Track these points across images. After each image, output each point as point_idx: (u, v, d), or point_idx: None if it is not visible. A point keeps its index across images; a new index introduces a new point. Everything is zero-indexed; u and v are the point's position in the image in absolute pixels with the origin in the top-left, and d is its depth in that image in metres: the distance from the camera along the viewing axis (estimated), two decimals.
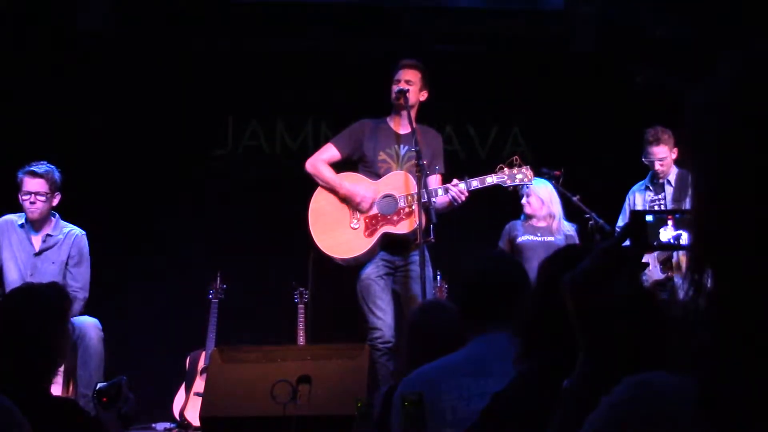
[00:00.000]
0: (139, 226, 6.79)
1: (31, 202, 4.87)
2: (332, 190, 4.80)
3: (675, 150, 5.28)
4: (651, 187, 5.43)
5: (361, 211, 4.72)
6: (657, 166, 5.30)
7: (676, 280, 5.11)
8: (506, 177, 4.68)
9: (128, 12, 6.72)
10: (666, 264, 5.22)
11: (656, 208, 5.26)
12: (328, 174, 4.82)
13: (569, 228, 5.73)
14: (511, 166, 4.70)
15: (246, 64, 7.13)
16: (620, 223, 5.45)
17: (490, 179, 4.67)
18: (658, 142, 5.26)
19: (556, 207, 5.64)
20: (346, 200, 4.77)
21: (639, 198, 5.45)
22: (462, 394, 2.18)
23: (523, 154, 7.09)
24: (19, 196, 4.89)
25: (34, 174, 4.85)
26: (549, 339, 1.64)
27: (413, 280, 4.61)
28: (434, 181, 4.77)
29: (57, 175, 4.94)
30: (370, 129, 4.89)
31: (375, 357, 4.48)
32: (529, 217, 5.63)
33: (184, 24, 6.85)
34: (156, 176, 6.89)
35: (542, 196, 5.57)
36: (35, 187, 4.86)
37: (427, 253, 4.60)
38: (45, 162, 4.96)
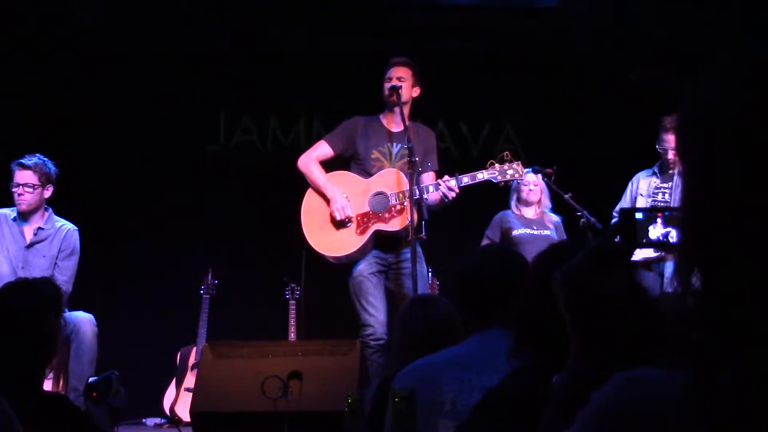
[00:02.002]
0: (131, 222, 6.78)
1: (19, 194, 4.88)
2: (322, 193, 4.81)
3: None
4: (659, 175, 5.29)
5: (333, 220, 4.71)
6: (670, 154, 5.11)
7: (666, 266, 5.03)
8: (497, 173, 4.68)
9: (121, 8, 6.70)
10: None
11: (660, 195, 5.22)
12: (317, 174, 4.82)
13: (556, 218, 5.78)
14: (501, 161, 4.70)
15: (239, 60, 7.12)
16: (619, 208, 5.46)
17: (481, 175, 4.67)
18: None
19: (546, 198, 5.76)
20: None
21: (644, 183, 5.32)
22: (463, 387, 2.18)
23: (515, 151, 7.10)
24: (10, 186, 4.91)
25: (23, 166, 4.87)
26: (542, 335, 1.65)
27: (406, 277, 4.61)
28: (428, 178, 4.77)
29: (50, 167, 4.93)
30: (362, 126, 4.89)
31: (367, 354, 4.48)
32: (527, 202, 5.67)
33: (177, 20, 6.83)
34: (148, 171, 6.88)
35: (540, 186, 5.65)
36: (23, 178, 4.87)
37: (419, 250, 4.60)
38: (39, 155, 4.95)
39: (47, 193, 4.96)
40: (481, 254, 2.54)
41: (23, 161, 4.88)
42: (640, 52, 6.69)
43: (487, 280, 2.37)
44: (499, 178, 4.69)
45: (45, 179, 4.91)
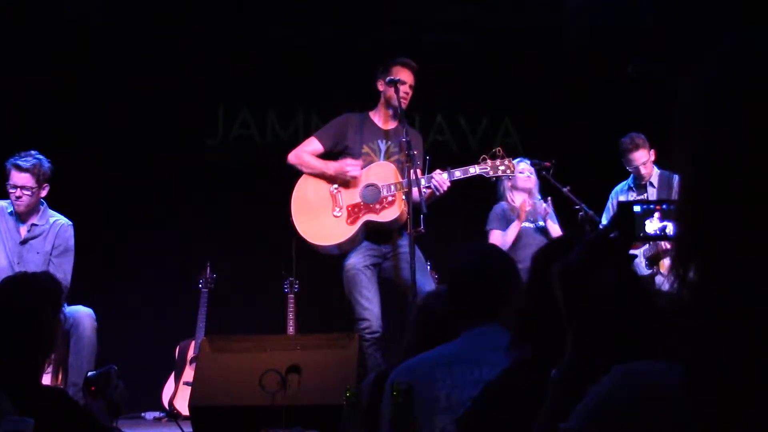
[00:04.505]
0: (129, 216, 6.77)
1: (17, 197, 4.83)
2: (321, 175, 4.80)
3: (653, 151, 5.42)
4: (634, 188, 5.58)
5: (353, 181, 4.71)
6: (642, 170, 5.48)
7: (658, 279, 5.16)
8: (489, 168, 4.71)
9: (120, 2, 6.69)
10: (652, 260, 5.28)
11: None
12: (311, 161, 4.83)
13: (545, 204, 5.76)
14: (493, 157, 4.74)
15: (237, 54, 7.11)
16: (604, 221, 5.49)
17: (473, 170, 4.70)
18: (636, 147, 5.45)
19: (536, 190, 5.75)
20: (335, 181, 4.77)
21: (622, 199, 5.57)
22: (456, 382, 2.20)
23: (514, 145, 7.11)
24: (7, 186, 4.87)
25: (20, 168, 4.80)
26: (541, 327, 1.65)
27: (405, 263, 4.59)
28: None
29: (46, 166, 4.87)
30: (355, 122, 4.91)
31: (362, 347, 4.48)
32: (521, 189, 5.66)
33: (175, 14, 6.82)
34: (147, 165, 6.87)
35: (533, 175, 5.66)
36: (21, 181, 4.81)
37: (406, 239, 4.62)
38: (34, 152, 4.89)
39: (44, 193, 4.92)
40: (471, 254, 2.54)
41: (20, 163, 4.81)
42: (638, 45, 6.68)
43: (476, 279, 2.40)
44: (491, 173, 4.73)
45: (42, 179, 4.86)
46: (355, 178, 4.72)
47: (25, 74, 6.69)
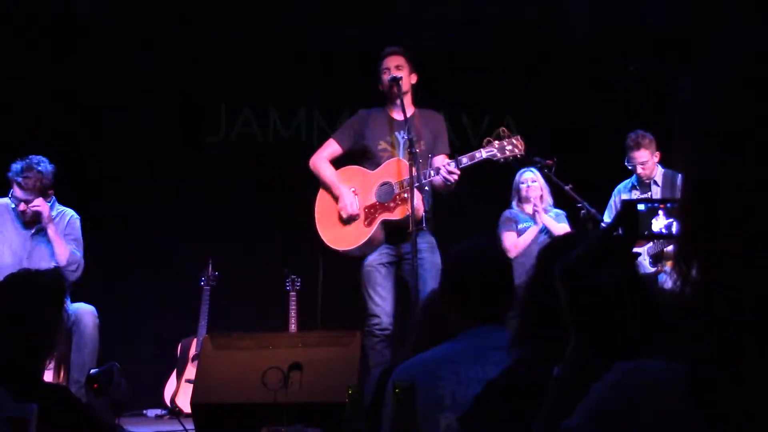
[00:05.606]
0: (131, 214, 6.77)
1: (21, 210, 4.85)
2: (328, 189, 4.83)
3: (657, 153, 5.37)
4: (638, 186, 5.54)
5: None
6: (639, 170, 5.43)
7: (661, 277, 5.15)
8: (496, 150, 4.54)
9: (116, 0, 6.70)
10: (657, 258, 5.27)
11: None
12: (326, 174, 4.85)
13: (558, 211, 5.78)
14: (499, 138, 4.56)
15: (239, 51, 7.10)
16: (607, 219, 5.49)
17: (479, 154, 4.56)
18: (638, 147, 5.39)
19: (548, 194, 5.79)
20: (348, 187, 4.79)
21: (625, 197, 5.51)
22: (460, 380, 2.20)
23: None
24: (11, 191, 4.86)
25: (23, 187, 4.79)
26: (544, 326, 1.65)
27: (423, 270, 4.56)
28: (440, 161, 4.71)
29: (48, 177, 4.84)
30: (368, 118, 4.88)
31: (372, 344, 4.49)
32: (527, 199, 5.68)
33: (177, 10, 6.81)
34: (149, 163, 6.87)
35: (539, 182, 5.69)
36: (25, 196, 4.82)
37: (433, 240, 4.62)
38: (36, 160, 4.82)
39: (48, 199, 4.93)
40: (466, 253, 2.53)
41: (22, 181, 4.77)
42: (640, 41, 6.68)
43: (473, 279, 2.39)
44: (499, 155, 4.54)
45: (46, 189, 4.87)
46: (349, 215, 4.70)
47: (25, 73, 6.69)
